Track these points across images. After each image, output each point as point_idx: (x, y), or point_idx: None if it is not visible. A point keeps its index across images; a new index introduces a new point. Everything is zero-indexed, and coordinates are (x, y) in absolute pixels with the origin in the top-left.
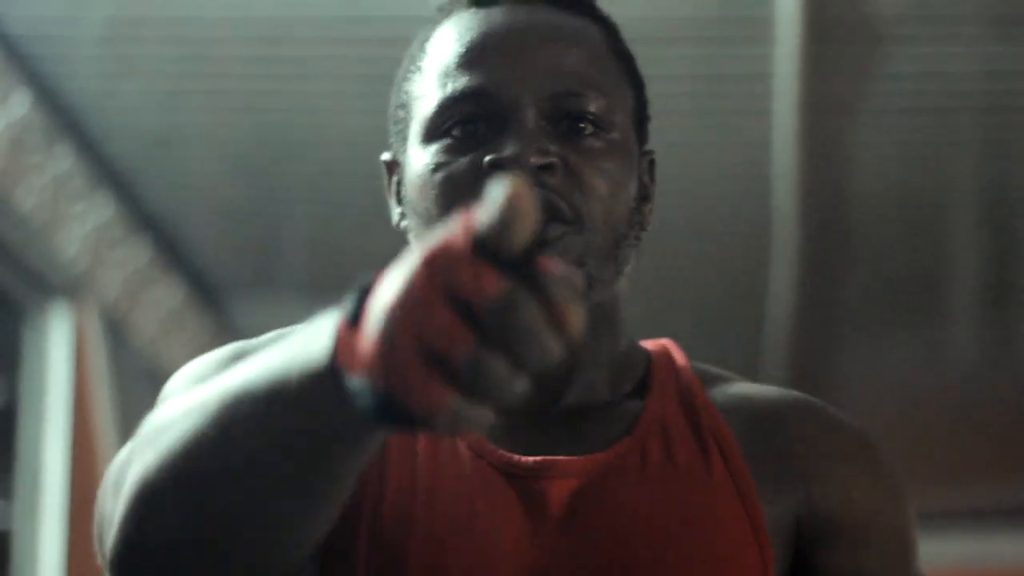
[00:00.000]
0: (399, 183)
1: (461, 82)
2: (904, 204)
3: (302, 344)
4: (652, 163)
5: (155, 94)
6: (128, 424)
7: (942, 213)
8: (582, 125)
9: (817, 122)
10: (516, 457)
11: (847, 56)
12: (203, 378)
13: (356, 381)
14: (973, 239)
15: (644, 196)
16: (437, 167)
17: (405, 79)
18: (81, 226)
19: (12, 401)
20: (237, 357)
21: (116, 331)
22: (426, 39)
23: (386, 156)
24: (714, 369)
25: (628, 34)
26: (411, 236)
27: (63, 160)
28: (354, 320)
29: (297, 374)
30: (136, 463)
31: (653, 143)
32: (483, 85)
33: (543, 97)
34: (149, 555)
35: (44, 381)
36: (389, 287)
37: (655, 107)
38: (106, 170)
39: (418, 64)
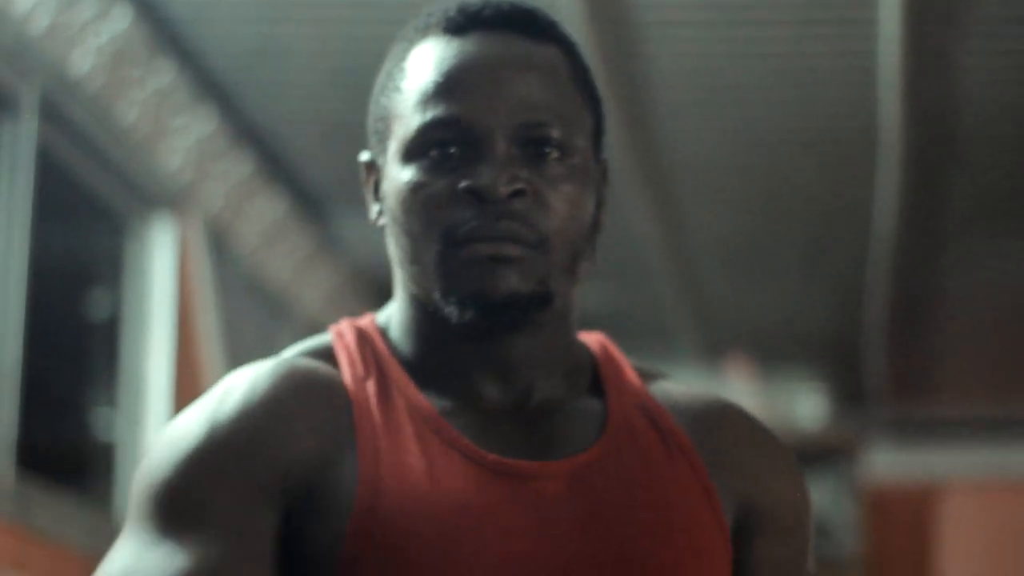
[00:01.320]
0: (376, 184)
1: (439, 110)
2: (1010, 113)
3: None
4: (606, 169)
5: (256, 5)
6: (231, 335)
7: None
8: (547, 150)
9: (923, 32)
10: (510, 461)
11: None
12: (148, 515)
13: None
14: None
15: (599, 202)
16: (417, 187)
17: (384, 93)
18: (184, 139)
19: (116, 313)
20: (183, 481)
21: (219, 243)
22: (403, 58)
23: (364, 157)
24: (644, 364)
25: None
26: (388, 235)
27: (165, 73)
28: None
29: None
30: None
31: (761, 53)
32: (458, 115)
33: (512, 126)
34: None
35: (147, 293)
36: None
37: (763, 17)
38: (208, 82)
39: (397, 83)
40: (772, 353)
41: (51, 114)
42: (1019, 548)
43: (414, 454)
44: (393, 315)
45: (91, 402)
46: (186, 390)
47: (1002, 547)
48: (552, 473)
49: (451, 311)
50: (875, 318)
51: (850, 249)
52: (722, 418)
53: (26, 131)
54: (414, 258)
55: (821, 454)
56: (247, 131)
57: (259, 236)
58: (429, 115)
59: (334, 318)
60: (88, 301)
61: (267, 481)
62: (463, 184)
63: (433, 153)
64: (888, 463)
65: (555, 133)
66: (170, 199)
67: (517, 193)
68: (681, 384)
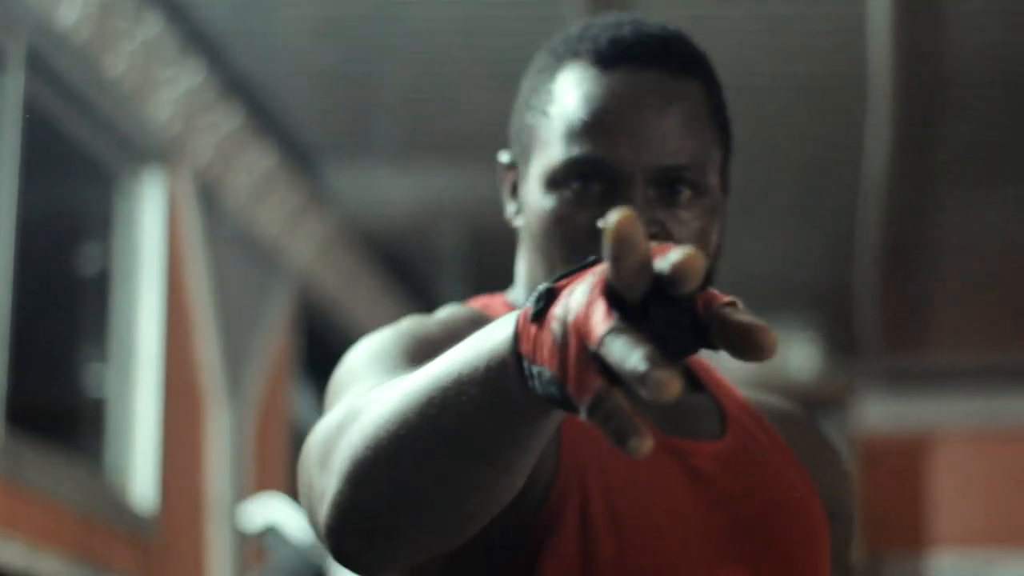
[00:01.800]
0: (514, 186)
1: (584, 148)
2: (1000, 60)
3: (489, 336)
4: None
5: None
6: (221, 288)
7: None
8: (681, 189)
9: None
10: (672, 438)
11: None
12: (385, 352)
13: (535, 367)
14: None
15: (722, 227)
16: (559, 218)
17: (529, 108)
18: (172, 91)
19: (106, 268)
20: (414, 333)
21: (209, 196)
22: (551, 79)
23: (505, 159)
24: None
25: None
26: (524, 240)
27: (152, 25)
28: (536, 318)
29: (486, 360)
30: (343, 443)
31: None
32: (603, 156)
33: (653, 169)
34: (361, 523)
35: (137, 247)
36: (570, 297)
37: None
38: (196, 34)
39: (544, 106)
40: (764, 304)
41: (38, 67)
42: (1011, 497)
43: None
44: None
45: (81, 358)
46: (176, 344)
47: (994, 496)
48: (703, 452)
49: None
50: (867, 267)
51: (841, 197)
52: (801, 419)
53: (12, 84)
54: (543, 277)
55: (813, 405)
56: (235, 83)
57: (248, 189)
58: (575, 151)
59: (325, 271)
60: (77, 256)
61: None
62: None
63: (575, 186)
64: (880, 413)
65: (690, 175)
66: (159, 152)
67: (656, 236)
68: (757, 389)
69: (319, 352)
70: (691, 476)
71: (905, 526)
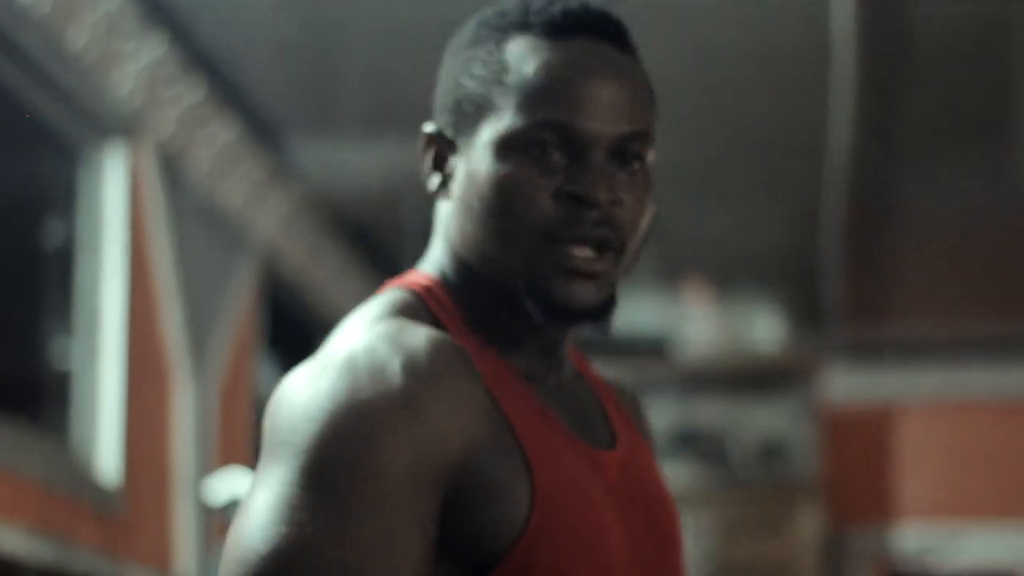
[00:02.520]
0: (440, 157)
1: (548, 113)
2: (965, 30)
3: None
4: None
5: None
6: (185, 262)
7: (1007, 36)
8: (633, 162)
9: None
10: (594, 449)
11: None
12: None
13: None
14: None
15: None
16: (515, 181)
17: (473, 78)
18: (134, 64)
19: (69, 242)
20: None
21: (172, 169)
22: (499, 50)
23: (430, 129)
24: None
25: None
26: (459, 211)
27: None
28: None
29: None
30: None
31: None
32: (567, 121)
33: (611, 136)
34: None
35: (100, 220)
36: None
37: None
38: (158, 6)
39: (498, 76)
40: (729, 276)
41: None
42: (975, 467)
43: (544, 431)
44: (453, 284)
45: (45, 331)
46: (140, 317)
47: (959, 467)
48: (610, 463)
49: (531, 307)
50: (831, 239)
51: (805, 169)
52: (635, 396)
53: None
54: (501, 245)
55: (779, 376)
56: (198, 56)
57: (212, 162)
58: (538, 116)
59: (289, 244)
60: (40, 230)
61: (437, 460)
62: (568, 187)
63: (535, 152)
64: (845, 385)
65: (640, 146)
66: (121, 125)
67: (616, 202)
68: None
69: (284, 326)
70: (606, 488)
71: (869, 497)
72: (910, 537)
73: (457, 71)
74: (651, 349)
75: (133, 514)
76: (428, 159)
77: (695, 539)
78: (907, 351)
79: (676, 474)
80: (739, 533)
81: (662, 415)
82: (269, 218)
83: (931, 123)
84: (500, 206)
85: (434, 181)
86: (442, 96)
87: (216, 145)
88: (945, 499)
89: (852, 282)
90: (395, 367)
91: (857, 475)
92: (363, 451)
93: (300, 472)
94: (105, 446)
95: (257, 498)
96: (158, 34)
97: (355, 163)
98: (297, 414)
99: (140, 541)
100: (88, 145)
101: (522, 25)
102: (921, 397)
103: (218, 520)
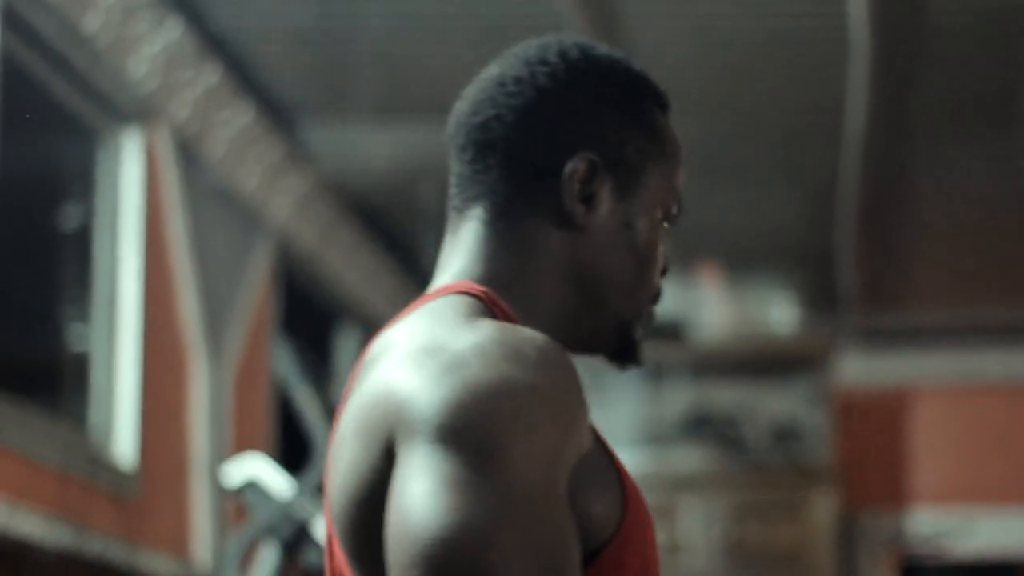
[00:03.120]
0: (594, 186)
1: (679, 195)
2: (980, 13)
3: None
4: None
5: None
6: (201, 244)
7: (1021, 20)
8: None
9: None
10: None
11: None
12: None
13: None
14: None
15: None
16: (656, 245)
17: (640, 135)
18: (150, 48)
19: (86, 226)
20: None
21: (188, 153)
22: (656, 118)
23: (591, 155)
24: None
25: None
26: (600, 247)
27: None
28: None
29: None
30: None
31: None
32: (681, 205)
33: None
34: None
35: (117, 203)
36: None
37: None
38: None
39: (662, 146)
40: (743, 260)
41: (16, 25)
42: (988, 453)
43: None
44: (516, 296)
45: (63, 315)
46: (156, 301)
47: (972, 452)
48: None
49: (609, 346)
50: (846, 224)
51: (820, 153)
52: None
53: None
54: (626, 292)
55: (793, 361)
56: (214, 40)
57: (227, 146)
58: (678, 196)
59: (304, 227)
60: (57, 213)
61: (575, 451)
62: (665, 263)
63: (666, 227)
64: (859, 369)
65: None
66: (137, 109)
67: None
68: None
69: (299, 309)
70: None
71: (883, 482)
72: (923, 522)
73: (617, 113)
74: (666, 333)
75: (149, 498)
76: (575, 181)
77: (708, 522)
78: (920, 336)
79: (690, 457)
80: (752, 517)
81: (677, 399)
82: (285, 201)
83: (946, 108)
84: (641, 263)
85: (578, 209)
86: (601, 127)
87: (232, 129)
88: (958, 484)
89: (866, 267)
90: (532, 359)
91: (870, 460)
92: (524, 434)
93: (466, 458)
94: (121, 430)
95: (425, 491)
96: (174, 18)
97: (369, 146)
98: (446, 405)
99: (156, 525)
100: (105, 129)
101: (656, 97)
102: (934, 382)
103: (234, 503)
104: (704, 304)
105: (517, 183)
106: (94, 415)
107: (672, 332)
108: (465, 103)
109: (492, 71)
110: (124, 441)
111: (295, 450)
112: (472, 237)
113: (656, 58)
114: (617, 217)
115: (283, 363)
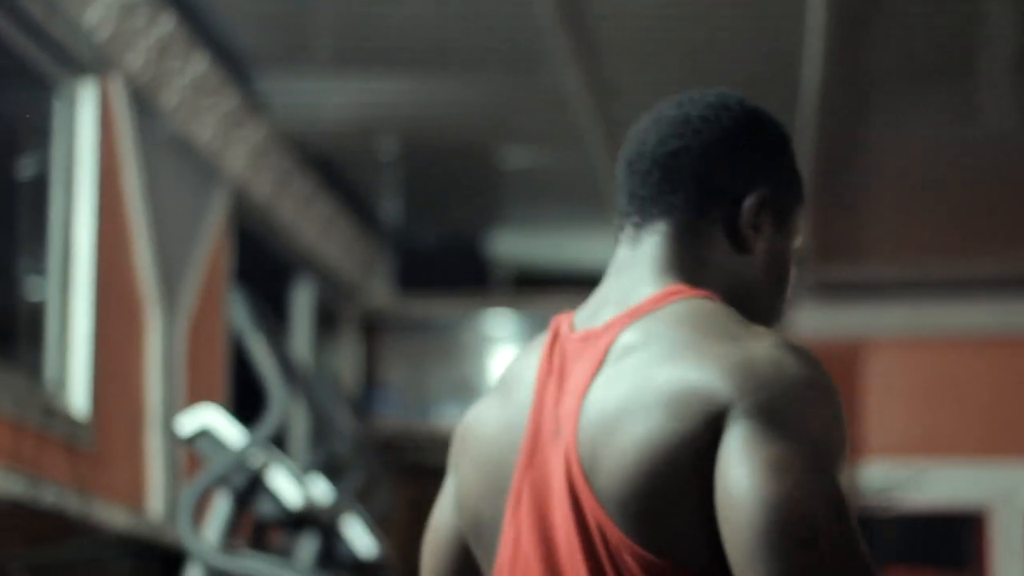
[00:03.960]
0: (764, 219)
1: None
2: None
3: None
4: None
5: None
6: (157, 194)
7: None
8: None
9: None
10: None
11: None
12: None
13: None
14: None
15: None
16: (792, 271)
17: (793, 182)
18: None
19: (42, 177)
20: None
21: (142, 102)
22: (798, 166)
23: (764, 191)
24: None
25: None
26: (756, 268)
27: None
28: None
29: None
30: None
31: None
32: None
33: None
34: None
35: (72, 154)
36: None
37: None
38: None
39: (801, 193)
40: None
41: None
42: (942, 405)
43: None
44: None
45: (17, 266)
46: (112, 251)
47: (926, 404)
48: None
49: None
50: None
51: (776, 106)
52: None
53: None
54: (775, 305)
55: None
56: None
57: (182, 96)
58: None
59: (260, 178)
60: (12, 165)
61: None
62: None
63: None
64: (814, 321)
65: None
66: (92, 59)
67: None
68: None
69: (254, 259)
70: None
71: None
72: (878, 474)
73: (781, 163)
74: None
75: (103, 448)
76: (751, 212)
77: None
78: (875, 289)
79: None
80: None
81: None
82: (239, 152)
83: (902, 61)
84: (786, 283)
85: (752, 237)
86: (766, 167)
87: (186, 78)
88: (913, 436)
89: (821, 221)
90: (817, 361)
91: None
92: (839, 427)
93: (797, 445)
94: (75, 380)
95: (766, 468)
96: None
97: (325, 97)
98: (812, 403)
99: (110, 475)
100: (59, 79)
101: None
102: (888, 335)
103: (188, 453)
104: None
105: (701, 205)
106: (48, 365)
107: None
108: (651, 135)
109: (674, 112)
110: (78, 391)
111: (250, 401)
112: (659, 249)
113: (614, 8)
114: (773, 245)
115: (237, 312)
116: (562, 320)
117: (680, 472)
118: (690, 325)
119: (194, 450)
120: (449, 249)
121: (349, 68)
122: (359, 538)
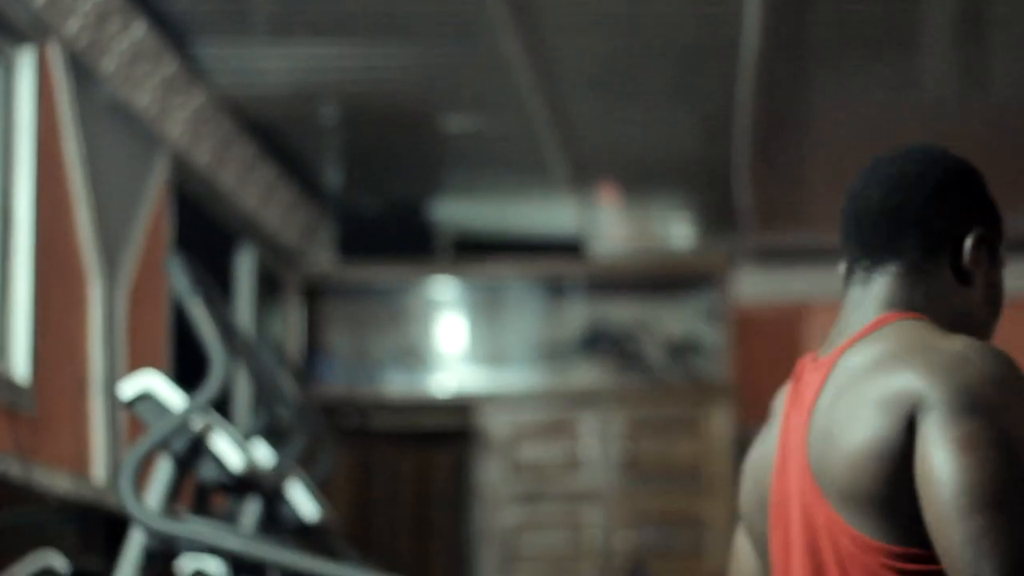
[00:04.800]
0: (979, 255)
1: None
2: None
3: None
4: None
5: None
6: (96, 161)
7: None
8: None
9: None
10: None
11: None
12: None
13: None
14: None
15: None
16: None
17: (996, 223)
18: None
19: None
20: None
21: (80, 68)
22: (998, 208)
23: (983, 232)
24: None
25: None
26: (962, 292)
27: None
28: None
29: None
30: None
31: None
32: None
33: None
34: None
35: (12, 120)
36: None
37: None
38: None
39: (1001, 227)
40: (641, 179)
41: None
42: None
43: None
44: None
45: None
46: (51, 218)
47: None
48: None
49: None
50: (742, 143)
51: (717, 72)
52: None
53: None
54: (987, 325)
55: (690, 278)
56: None
57: (121, 62)
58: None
59: (200, 145)
60: None
61: None
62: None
63: None
64: (755, 286)
65: None
66: (29, 24)
67: None
68: None
69: (195, 226)
70: None
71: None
72: None
73: (989, 206)
74: (564, 249)
75: (44, 414)
76: (975, 252)
77: (606, 438)
78: (815, 253)
79: (588, 374)
80: (650, 432)
81: (575, 315)
82: (179, 118)
83: (842, 27)
84: (998, 312)
85: (971, 270)
86: (979, 211)
87: (124, 43)
88: None
89: (761, 186)
90: (1010, 361)
91: (767, 375)
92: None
93: (988, 434)
94: (16, 345)
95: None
96: None
97: (265, 63)
98: (964, 389)
99: (52, 441)
100: None
101: None
102: (829, 299)
103: (130, 418)
104: (602, 222)
105: (927, 247)
106: None
107: (570, 249)
108: (873, 191)
109: (889, 169)
110: (19, 357)
111: (193, 367)
112: (889, 287)
113: None
114: (989, 278)
115: (174, 278)
116: (808, 357)
117: (890, 463)
118: (895, 340)
119: (136, 415)
120: (391, 215)
121: (289, 34)
122: (302, 502)
